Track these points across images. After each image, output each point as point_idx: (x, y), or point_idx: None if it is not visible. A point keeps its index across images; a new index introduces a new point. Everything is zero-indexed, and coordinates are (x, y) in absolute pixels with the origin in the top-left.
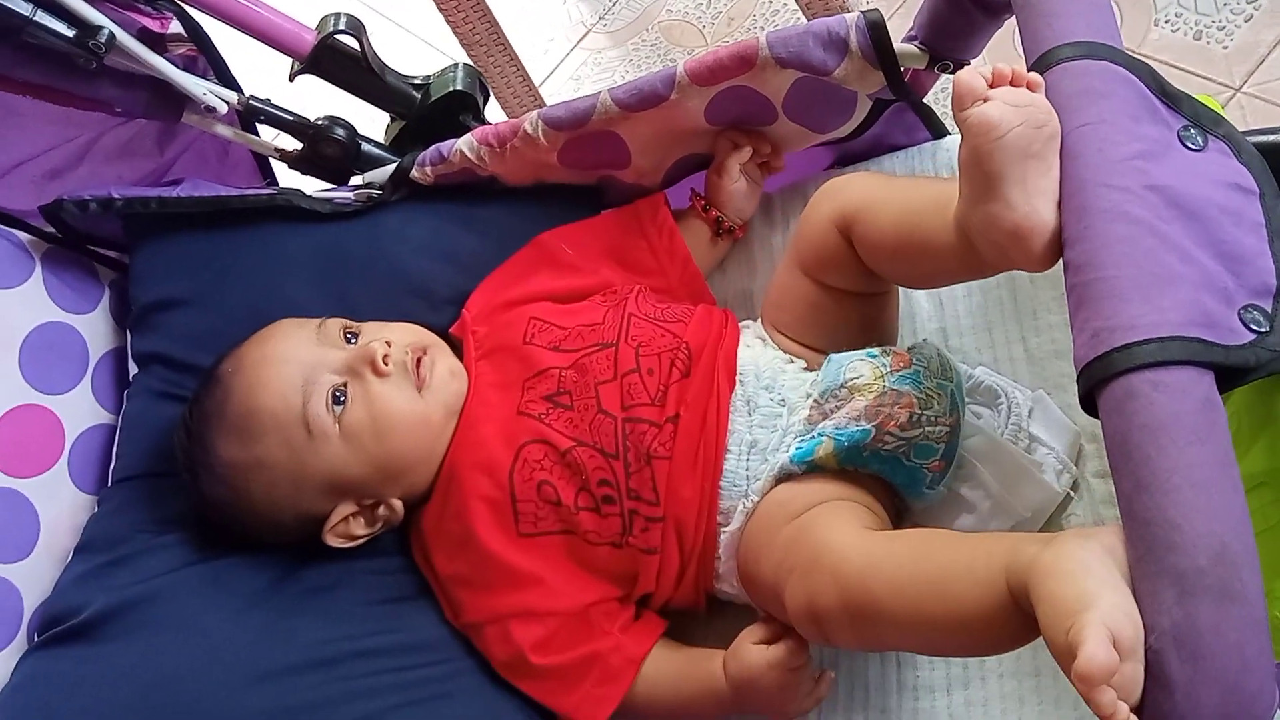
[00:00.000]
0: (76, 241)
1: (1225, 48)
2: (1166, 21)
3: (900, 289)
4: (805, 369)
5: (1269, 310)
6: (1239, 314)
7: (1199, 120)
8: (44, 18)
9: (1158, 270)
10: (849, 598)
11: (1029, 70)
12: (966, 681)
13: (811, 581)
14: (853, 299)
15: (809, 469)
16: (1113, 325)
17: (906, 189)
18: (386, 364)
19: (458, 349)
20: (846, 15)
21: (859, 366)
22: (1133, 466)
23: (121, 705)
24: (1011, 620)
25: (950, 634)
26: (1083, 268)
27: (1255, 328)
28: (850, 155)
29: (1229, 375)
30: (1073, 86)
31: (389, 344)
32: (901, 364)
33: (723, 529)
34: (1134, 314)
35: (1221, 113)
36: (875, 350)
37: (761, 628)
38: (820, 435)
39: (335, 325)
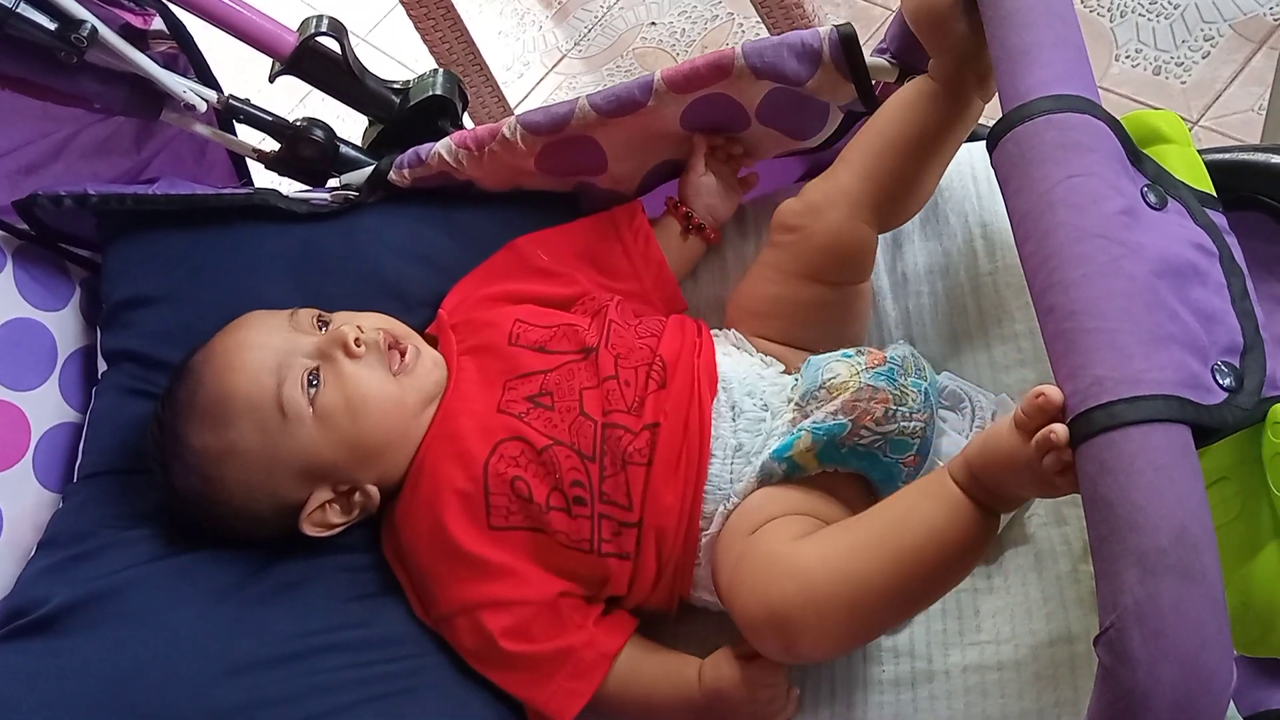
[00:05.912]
0: (49, 239)
1: (1183, 83)
2: (1127, 57)
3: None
4: (783, 372)
5: (1237, 367)
6: (1212, 370)
7: (1158, 180)
8: (26, 10)
9: (1154, 329)
10: (807, 581)
11: (1007, 113)
12: (931, 675)
13: (768, 582)
14: (850, 291)
15: (789, 469)
16: (1118, 377)
17: (873, 145)
18: (359, 345)
19: (434, 347)
20: (820, 28)
21: (835, 367)
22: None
23: (85, 699)
24: (976, 517)
25: (926, 558)
26: (1079, 315)
27: (1225, 385)
28: (821, 166)
29: (1205, 434)
30: (1059, 138)
31: (360, 327)
32: (876, 362)
33: (704, 533)
34: (1139, 369)
35: (1185, 131)
36: (850, 351)
37: (745, 643)
38: (799, 431)
39: (307, 314)
